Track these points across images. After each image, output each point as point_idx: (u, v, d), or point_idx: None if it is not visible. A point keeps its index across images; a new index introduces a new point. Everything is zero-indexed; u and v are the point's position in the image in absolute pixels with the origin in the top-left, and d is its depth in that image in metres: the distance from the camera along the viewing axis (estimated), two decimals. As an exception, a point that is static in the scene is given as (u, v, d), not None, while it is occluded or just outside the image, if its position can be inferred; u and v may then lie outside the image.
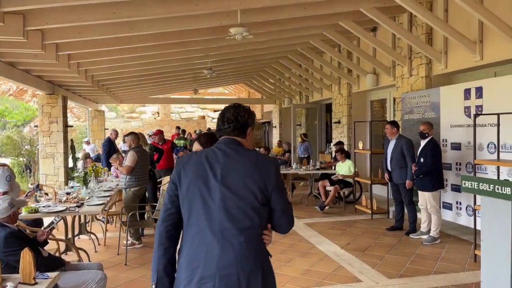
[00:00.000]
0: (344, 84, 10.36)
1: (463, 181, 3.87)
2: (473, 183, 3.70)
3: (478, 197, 4.86)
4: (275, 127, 16.61)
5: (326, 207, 7.87)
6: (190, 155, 1.99)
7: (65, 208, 4.65)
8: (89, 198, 5.36)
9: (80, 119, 26.65)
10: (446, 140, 6.19)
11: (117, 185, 6.78)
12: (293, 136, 13.08)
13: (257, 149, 15.28)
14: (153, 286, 1.90)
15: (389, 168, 6.24)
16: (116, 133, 10.49)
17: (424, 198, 5.67)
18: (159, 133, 9.10)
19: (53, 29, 5.50)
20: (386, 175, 6.22)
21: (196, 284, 1.79)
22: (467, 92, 5.75)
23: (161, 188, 7.26)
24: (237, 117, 1.97)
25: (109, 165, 8.57)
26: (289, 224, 1.99)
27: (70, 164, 10.11)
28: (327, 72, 11.17)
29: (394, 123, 6.17)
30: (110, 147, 9.32)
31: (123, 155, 8.51)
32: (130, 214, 5.38)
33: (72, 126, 11.31)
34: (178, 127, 14.44)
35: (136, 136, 5.93)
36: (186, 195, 1.88)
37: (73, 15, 5.00)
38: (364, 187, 8.65)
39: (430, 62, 7.14)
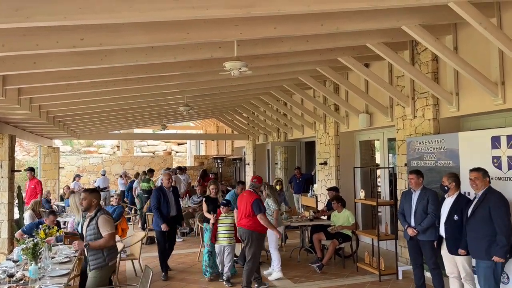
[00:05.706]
0: (331, 123, 9.61)
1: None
2: None
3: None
4: (248, 164, 15.58)
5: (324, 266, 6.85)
6: None
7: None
8: (39, 278, 4.04)
9: (30, 153, 24.41)
10: (468, 193, 5.42)
11: (76, 250, 5.43)
12: (272, 176, 12.11)
13: (229, 188, 14.24)
14: None
15: (412, 223, 5.35)
16: (169, 178, 6.95)
17: (455, 264, 4.79)
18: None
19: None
20: (412, 230, 5.29)
21: None
22: (495, 140, 5.05)
23: None
24: None
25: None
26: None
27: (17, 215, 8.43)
28: (310, 108, 10.42)
29: (419, 173, 5.36)
30: (159, 198, 6.69)
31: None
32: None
33: (20, 171, 9.66)
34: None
35: (98, 195, 4.53)
36: None
37: (27, 41, 3.85)
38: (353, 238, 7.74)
39: (438, 104, 6.50)
